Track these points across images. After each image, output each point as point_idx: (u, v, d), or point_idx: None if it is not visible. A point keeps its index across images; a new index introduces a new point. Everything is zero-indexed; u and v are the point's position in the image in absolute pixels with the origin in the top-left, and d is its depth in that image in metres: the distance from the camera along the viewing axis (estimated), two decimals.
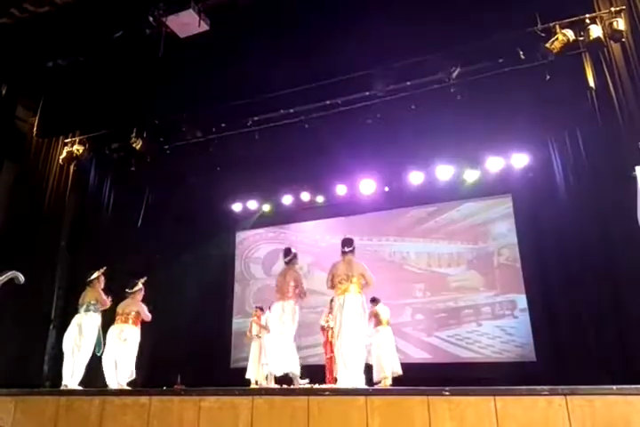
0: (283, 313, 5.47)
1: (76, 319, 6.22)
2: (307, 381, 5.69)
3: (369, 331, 7.12)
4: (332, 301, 7.71)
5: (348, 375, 4.82)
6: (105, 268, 6.51)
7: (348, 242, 5.46)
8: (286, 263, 5.75)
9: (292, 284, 5.61)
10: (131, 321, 6.21)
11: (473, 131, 7.73)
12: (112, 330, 6.20)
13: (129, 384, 6.12)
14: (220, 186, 9.90)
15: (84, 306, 6.23)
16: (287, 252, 5.81)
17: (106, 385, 6.08)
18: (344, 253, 5.42)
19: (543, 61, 6.46)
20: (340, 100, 7.66)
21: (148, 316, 6.30)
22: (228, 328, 10.57)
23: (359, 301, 5.06)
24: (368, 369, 6.98)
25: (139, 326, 6.27)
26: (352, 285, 5.10)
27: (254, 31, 6.62)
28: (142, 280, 6.51)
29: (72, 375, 6.02)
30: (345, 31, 6.42)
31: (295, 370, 5.51)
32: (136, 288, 6.39)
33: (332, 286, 5.28)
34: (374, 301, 7.35)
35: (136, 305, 6.28)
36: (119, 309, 6.30)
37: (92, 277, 6.36)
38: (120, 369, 6.02)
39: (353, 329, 4.92)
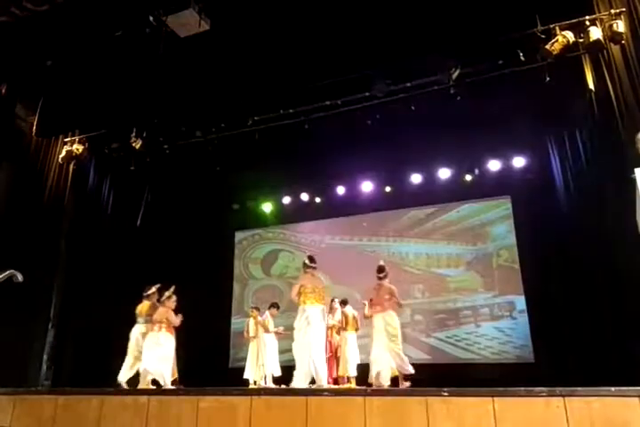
0: (386, 324, 6.09)
1: (138, 329, 6.79)
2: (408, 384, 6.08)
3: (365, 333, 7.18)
4: (332, 301, 7.77)
5: (318, 376, 5.59)
6: (159, 285, 7.00)
7: (313, 259, 6.15)
8: (380, 278, 6.23)
9: (386, 297, 6.21)
10: (164, 328, 6.62)
11: (472, 132, 7.74)
12: (149, 336, 6.61)
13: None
14: (219, 186, 9.90)
15: (143, 317, 6.84)
16: (382, 269, 6.33)
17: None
18: (311, 268, 6.07)
19: (543, 63, 6.47)
20: (340, 101, 7.66)
21: (175, 321, 6.69)
22: (227, 328, 10.57)
23: (321, 310, 5.88)
24: (364, 369, 7.01)
25: (172, 332, 6.69)
26: (317, 296, 5.86)
27: (254, 31, 6.62)
28: (172, 289, 6.87)
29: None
30: (345, 31, 6.43)
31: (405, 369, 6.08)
32: (164, 297, 6.79)
33: (297, 296, 5.90)
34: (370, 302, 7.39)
35: (166, 312, 6.68)
36: (154, 317, 6.72)
37: (150, 291, 6.91)
38: (160, 371, 6.40)
39: (316, 333, 5.70)
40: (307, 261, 6.08)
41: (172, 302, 6.77)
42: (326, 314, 7.33)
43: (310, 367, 5.54)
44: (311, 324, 5.67)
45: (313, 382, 5.68)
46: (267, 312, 8.11)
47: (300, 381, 5.55)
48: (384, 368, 6.05)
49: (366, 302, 6.62)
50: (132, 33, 6.61)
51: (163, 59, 6.43)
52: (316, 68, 6.94)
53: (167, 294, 6.80)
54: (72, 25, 6.72)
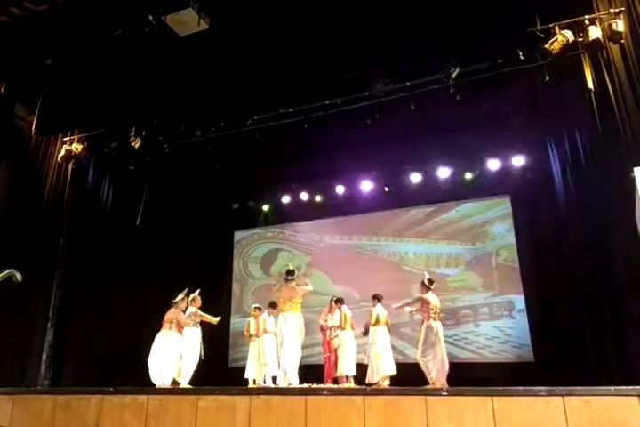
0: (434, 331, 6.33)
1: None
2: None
3: (369, 331, 7.21)
4: (331, 300, 7.77)
5: (285, 376, 6.36)
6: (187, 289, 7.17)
7: (291, 273, 6.82)
8: (429, 289, 6.52)
9: (437, 308, 6.50)
10: (174, 328, 6.80)
11: (472, 131, 7.74)
12: (159, 336, 6.80)
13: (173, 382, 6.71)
14: (218, 185, 9.89)
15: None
16: (432, 281, 6.65)
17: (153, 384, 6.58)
18: (287, 280, 6.76)
19: (542, 62, 6.47)
20: (340, 100, 7.65)
21: (186, 322, 6.92)
22: (226, 328, 10.55)
23: (297, 317, 6.58)
24: (362, 369, 7.02)
25: (181, 333, 6.90)
26: (294, 305, 6.57)
27: (254, 30, 6.61)
28: (184, 292, 7.07)
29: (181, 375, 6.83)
30: (345, 31, 6.42)
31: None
32: (177, 299, 6.98)
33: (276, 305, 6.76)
34: (375, 298, 7.37)
35: (177, 314, 6.88)
36: (165, 317, 6.91)
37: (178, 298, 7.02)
38: (164, 369, 6.58)
39: (292, 339, 6.43)
40: (284, 275, 6.87)
41: (184, 304, 7.01)
42: (325, 314, 7.56)
43: (282, 368, 6.43)
44: (284, 330, 6.49)
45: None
46: (265, 311, 8.11)
47: (280, 381, 6.47)
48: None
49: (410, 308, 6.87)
50: (131, 32, 6.60)
51: (162, 58, 6.42)
52: (316, 67, 6.93)
53: (180, 297, 6.99)
54: (71, 24, 6.72)
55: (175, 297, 6.99)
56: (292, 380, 6.42)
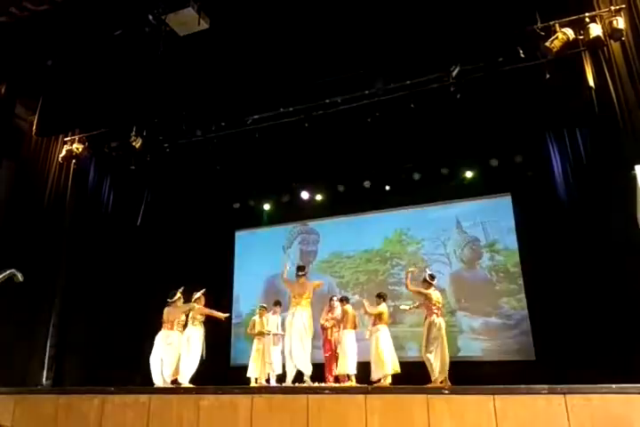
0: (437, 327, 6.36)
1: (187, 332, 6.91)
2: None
3: (369, 328, 7.21)
4: (331, 299, 7.76)
5: (296, 369, 6.47)
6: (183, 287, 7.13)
7: (301, 268, 6.97)
8: (431, 284, 6.55)
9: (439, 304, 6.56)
10: (176, 328, 6.79)
11: (472, 129, 7.73)
12: (160, 335, 6.78)
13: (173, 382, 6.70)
14: (219, 185, 9.89)
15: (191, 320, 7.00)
16: (432, 277, 6.61)
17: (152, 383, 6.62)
18: (298, 275, 6.86)
19: (543, 60, 6.46)
20: (340, 99, 7.65)
21: (191, 320, 6.85)
22: (228, 327, 10.56)
23: (307, 313, 6.66)
24: (365, 367, 7.02)
25: (183, 332, 6.86)
26: (303, 300, 6.63)
27: (254, 29, 6.61)
28: (180, 290, 7.04)
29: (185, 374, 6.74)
30: (345, 30, 6.42)
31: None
32: (175, 297, 6.93)
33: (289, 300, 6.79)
34: (380, 296, 7.35)
35: (178, 313, 6.85)
36: (164, 316, 6.87)
37: (176, 297, 6.98)
38: (165, 369, 6.58)
39: (302, 334, 6.50)
40: (295, 270, 6.95)
41: (181, 302, 6.98)
42: (325, 313, 7.58)
43: (294, 365, 6.47)
44: (294, 325, 6.51)
45: (300, 378, 6.53)
46: (270, 311, 8.09)
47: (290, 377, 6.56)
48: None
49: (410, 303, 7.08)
50: (131, 32, 6.61)
51: (162, 57, 6.43)
52: (316, 66, 6.93)
53: (178, 295, 6.97)
54: (72, 24, 6.73)
55: (172, 296, 6.90)
56: (306, 371, 6.49)
